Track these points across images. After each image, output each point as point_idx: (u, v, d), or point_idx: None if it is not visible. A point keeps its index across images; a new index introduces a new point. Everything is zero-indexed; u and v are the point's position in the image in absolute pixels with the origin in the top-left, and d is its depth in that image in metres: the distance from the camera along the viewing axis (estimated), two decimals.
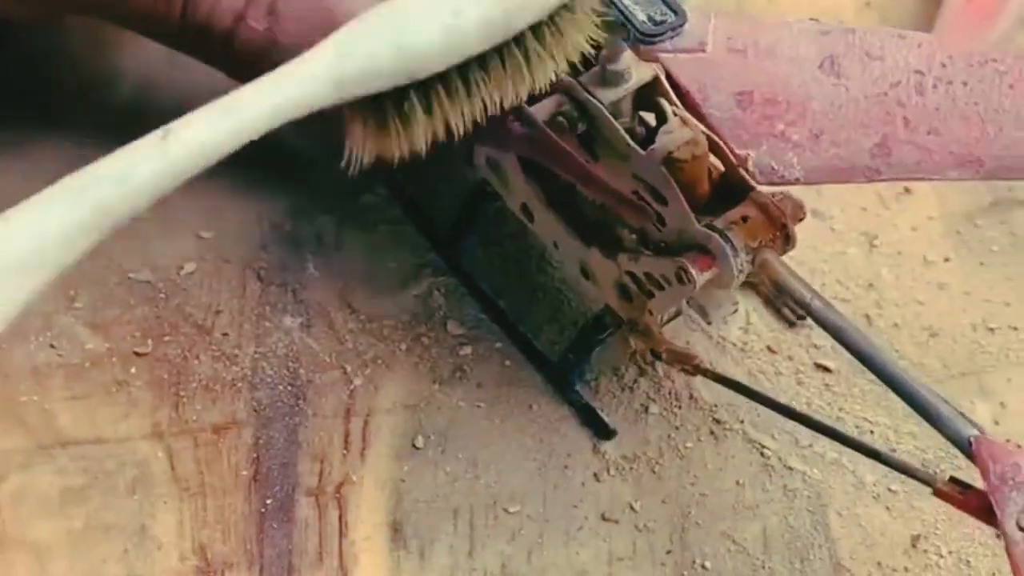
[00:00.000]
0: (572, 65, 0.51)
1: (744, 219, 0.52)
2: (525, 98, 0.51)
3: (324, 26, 0.55)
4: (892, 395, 0.58)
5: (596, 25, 0.50)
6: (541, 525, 0.55)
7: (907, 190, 0.66)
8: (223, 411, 0.57)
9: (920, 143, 0.50)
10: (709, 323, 0.57)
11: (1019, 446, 0.49)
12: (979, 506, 0.48)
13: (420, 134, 0.49)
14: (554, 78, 0.51)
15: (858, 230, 0.64)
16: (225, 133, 0.46)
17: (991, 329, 0.61)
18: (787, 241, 0.53)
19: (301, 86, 0.47)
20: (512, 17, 0.48)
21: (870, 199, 0.66)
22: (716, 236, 0.51)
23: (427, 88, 0.48)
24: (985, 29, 0.69)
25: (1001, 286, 0.63)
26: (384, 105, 0.48)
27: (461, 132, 0.50)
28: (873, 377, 0.59)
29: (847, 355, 0.60)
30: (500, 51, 0.49)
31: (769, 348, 0.60)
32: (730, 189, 0.53)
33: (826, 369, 0.60)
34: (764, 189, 0.52)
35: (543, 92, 0.51)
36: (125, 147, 0.45)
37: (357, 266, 0.62)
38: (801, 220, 0.53)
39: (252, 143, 0.67)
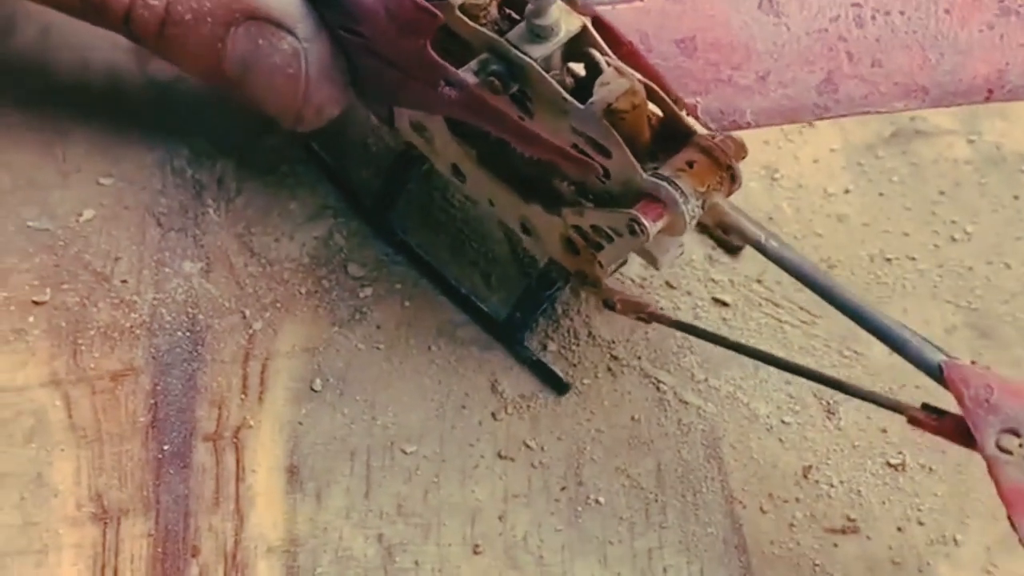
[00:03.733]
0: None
1: (690, 164, 0.51)
2: None
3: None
4: (787, 329, 0.59)
5: None
6: (437, 465, 0.55)
7: (810, 123, 0.66)
8: (121, 358, 0.57)
9: (865, 76, 0.50)
10: (658, 268, 0.56)
11: (988, 368, 0.49)
12: (955, 430, 0.48)
13: None
14: None
15: (760, 163, 0.64)
16: None
17: (888, 260, 0.62)
18: (733, 181, 0.52)
19: None
20: None
21: (773, 133, 0.65)
22: (665, 184, 0.50)
23: None
24: None
25: (900, 216, 0.63)
26: None
27: None
28: (770, 311, 0.60)
29: (743, 290, 0.60)
30: None
31: (668, 283, 0.61)
32: (671, 134, 0.52)
33: (723, 303, 0.60)
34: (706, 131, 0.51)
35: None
36: None
37: (258, 209, 0.62)
38: (743, 158, 0.52)
39: (150, 88, 0.67)
